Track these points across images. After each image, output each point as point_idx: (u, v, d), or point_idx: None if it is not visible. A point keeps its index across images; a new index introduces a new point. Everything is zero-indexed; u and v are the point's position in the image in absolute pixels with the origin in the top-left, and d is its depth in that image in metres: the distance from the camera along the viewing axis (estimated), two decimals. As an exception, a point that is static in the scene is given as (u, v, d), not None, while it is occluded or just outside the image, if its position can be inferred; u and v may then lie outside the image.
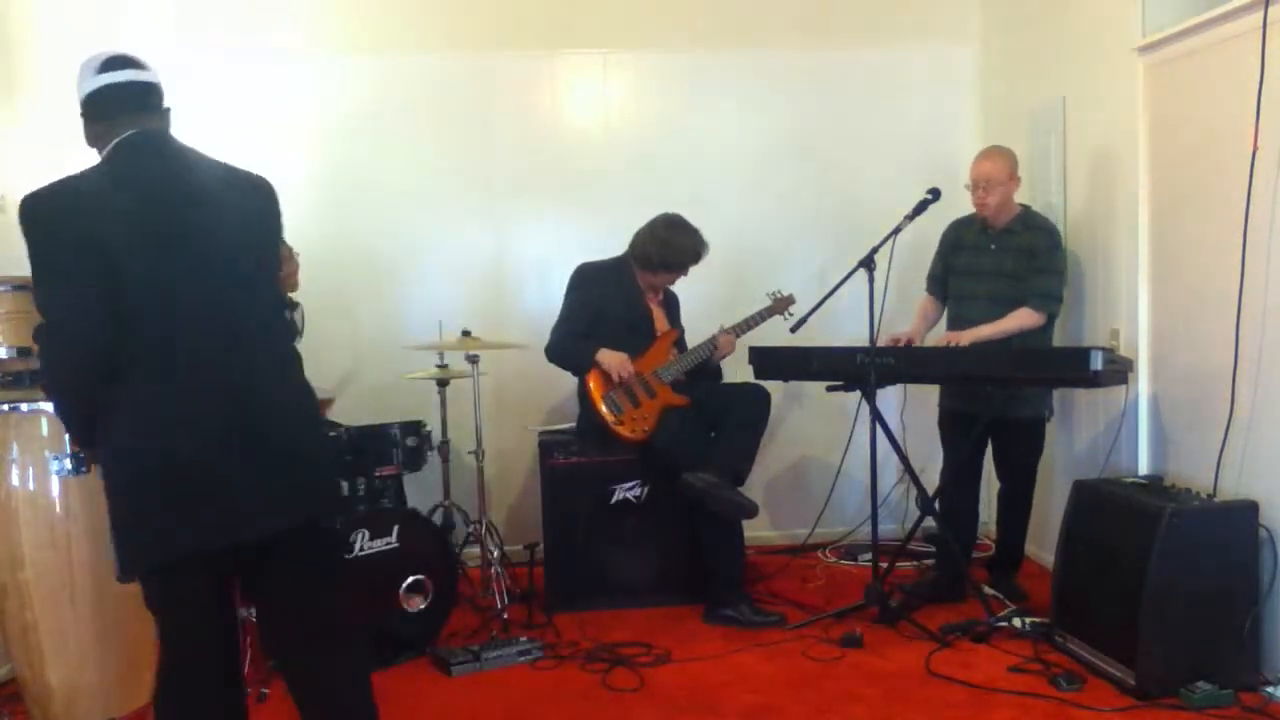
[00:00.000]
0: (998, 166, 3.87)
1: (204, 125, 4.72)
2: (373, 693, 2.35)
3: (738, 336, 4.24)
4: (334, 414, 4.27)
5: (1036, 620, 3.62)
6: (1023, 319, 3.85)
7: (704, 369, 4.22)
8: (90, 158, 2.33)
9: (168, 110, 2.34)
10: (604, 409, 4.03)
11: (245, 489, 2.10)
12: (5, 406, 2.67)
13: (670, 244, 4.11)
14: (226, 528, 2.08)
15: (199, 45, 4.70)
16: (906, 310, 4.42)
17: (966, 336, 3.84)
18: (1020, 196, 4.02)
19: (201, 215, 2.23)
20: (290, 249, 4.21)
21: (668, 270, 4.16)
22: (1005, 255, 3.92)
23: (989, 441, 4.10)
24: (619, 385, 4.06)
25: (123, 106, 2.24)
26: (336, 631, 2.31)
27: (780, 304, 4.31)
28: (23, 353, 2.78)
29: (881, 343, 3.91)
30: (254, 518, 2.10)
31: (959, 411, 4.08)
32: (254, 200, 2.45)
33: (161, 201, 2.18)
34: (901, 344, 4.02)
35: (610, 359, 4.03)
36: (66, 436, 2.64)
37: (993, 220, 3.96)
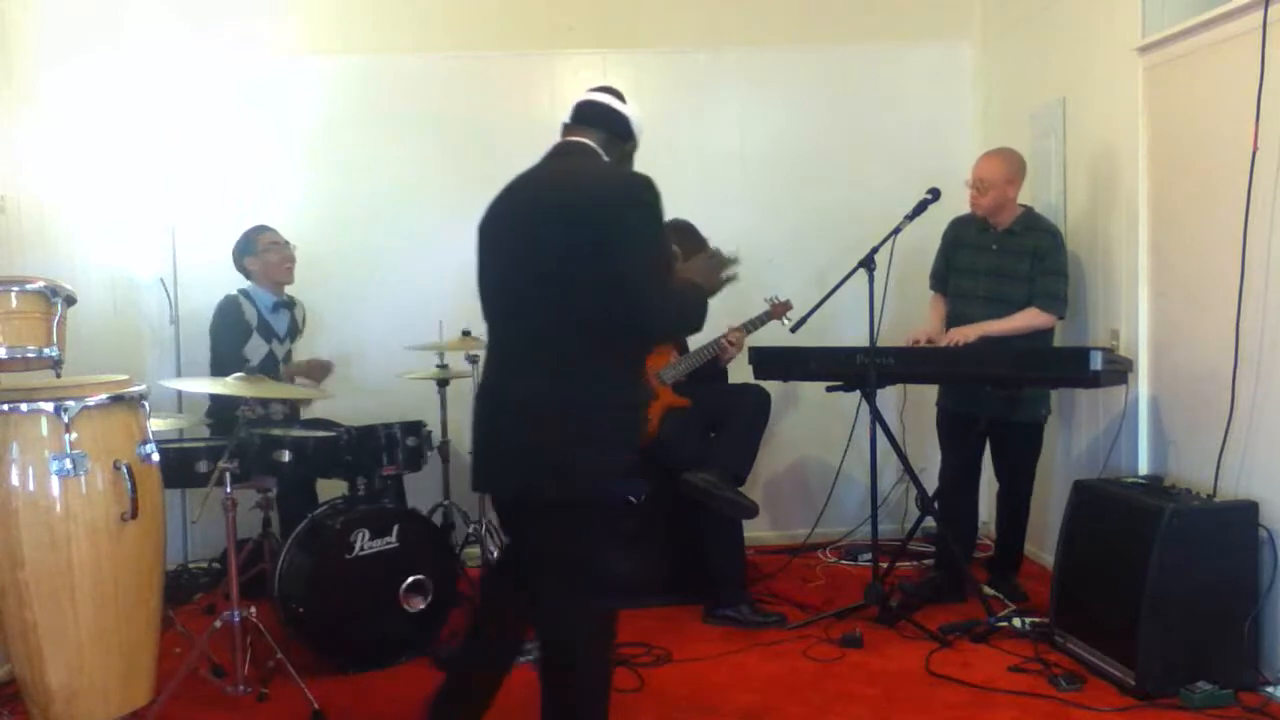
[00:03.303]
0: (994, 169, 3.87)
1: (204, 124, 4.76)
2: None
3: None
4: (334, 414, 4.28)
5: (1036, 620, 3.62)
6: (1030, 319, 3.85)
7: (710, 369, 4.22)
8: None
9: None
10: (604, 409, 4.02)
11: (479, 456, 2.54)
12: (5, 406, 2.67)
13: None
14: (474, 482, 2.59)
15: (199, 45, 4.71)
16: (907, 310, 4.42)
17: (973, 332, 3.83)
18: (1020, 196, 4.02)
19: None
20: (283, 240, 4.20)
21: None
22: (1006, 256, 3.92)
23: (988, 442, 4.10)
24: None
25: None
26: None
27: (778, 309, 4.30)
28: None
29: (903, 342, 3.91)
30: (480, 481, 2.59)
31: (958, 412, 4.08)
32: None
33: None
34: (923, 342, 4.01)
35: None
36: (67, 437, 2.64)
37: (993, 220, 3.96)
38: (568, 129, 2.59)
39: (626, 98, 2.60)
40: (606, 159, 2.52)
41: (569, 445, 2.37)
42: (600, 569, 2.41)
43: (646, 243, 2.34)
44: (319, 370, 4.45)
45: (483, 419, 2.52)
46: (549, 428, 2.38)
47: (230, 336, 4.14)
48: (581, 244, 2.33)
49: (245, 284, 4.28)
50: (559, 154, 2.57)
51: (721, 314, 4.37)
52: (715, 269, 2.62)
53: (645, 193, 2.37)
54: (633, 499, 2.47)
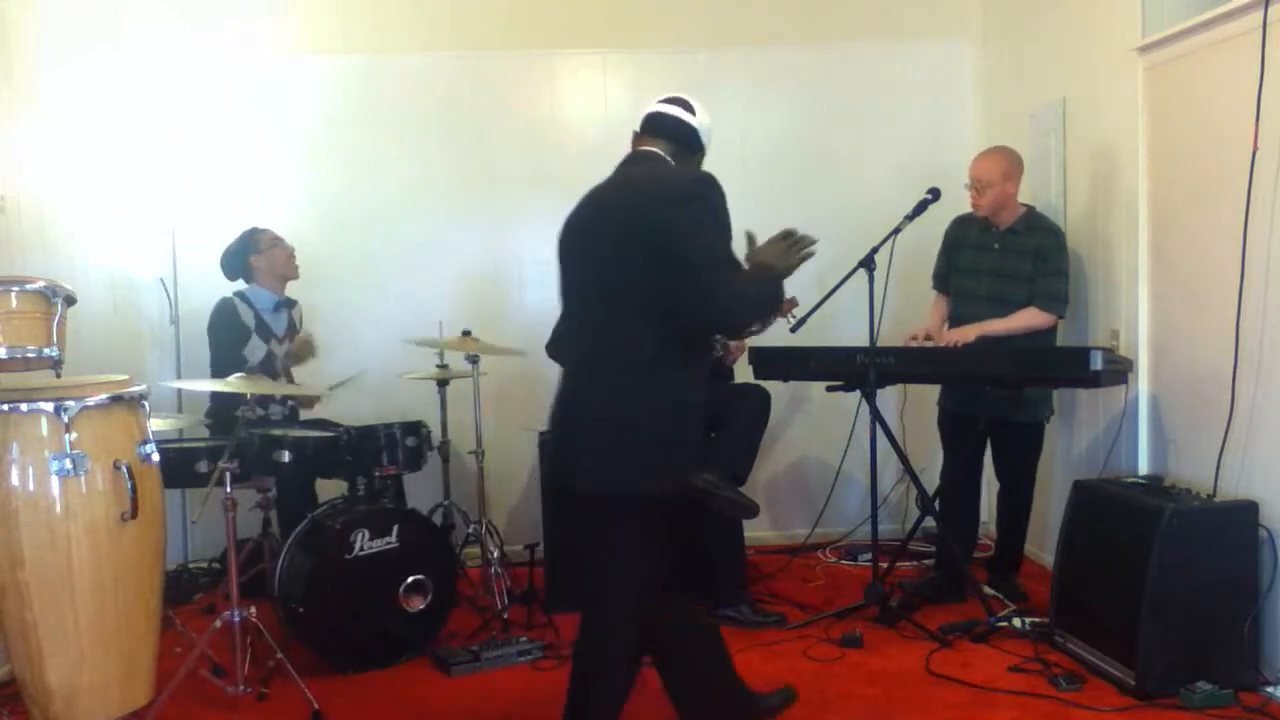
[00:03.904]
0: (990, 168, 3.87)
1: (204, 124, 4.76)
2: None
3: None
4: (334, 414, 4.28)
5: (1036, 620, 3.62)
6: (1030, 318, 3.85)
7: (712, 370, 4.21)
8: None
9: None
10: (604, 409, 4.02)
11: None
12: (5, 406, 2.67)
13: None
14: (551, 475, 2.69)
15: (199, 45, 4.71)
16: (906, 310, 4.42)
17: (972, 332, 3.83)
18: (1020, 196, 4.02)
19: None
20: (279, 238, 4.18)
21: None
22: (1008, 255, 3.92)
23: (989, 442, 4.10)
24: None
25: None
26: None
27: (784, 306, 4.30)
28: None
29: (902, 341, 3.91)
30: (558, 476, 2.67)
31: (959, 412, 4.08)
32: None
33: None
34: (921, 340, 4.01)
35: None
36: (67, 437, 2.64)
37: (995, 220, 3.96)
38: (638, 138, 2.65)
39: (697, 107, 2.64)
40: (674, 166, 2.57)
41: (634, 447, 2.44)
42: (650, 568, 2.52)
43: (706, 236, 2.38)
44: (304, 349, 4.42)
45: (559, 421, 2.61)
46: (618, 430, 2.45)
47: (228, 339, 4.13)
48: (645, 245, 2.39)
49: (242, 286, 4.26)
50: (628, 163, 2.63)
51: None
52: (788, 249, 2.58)
53: (701, 187, 2.43)
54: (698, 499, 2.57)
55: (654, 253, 2.37)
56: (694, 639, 2.70)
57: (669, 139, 2.60)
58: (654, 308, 2.39)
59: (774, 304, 2.56)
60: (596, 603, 2.61)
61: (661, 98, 2.68)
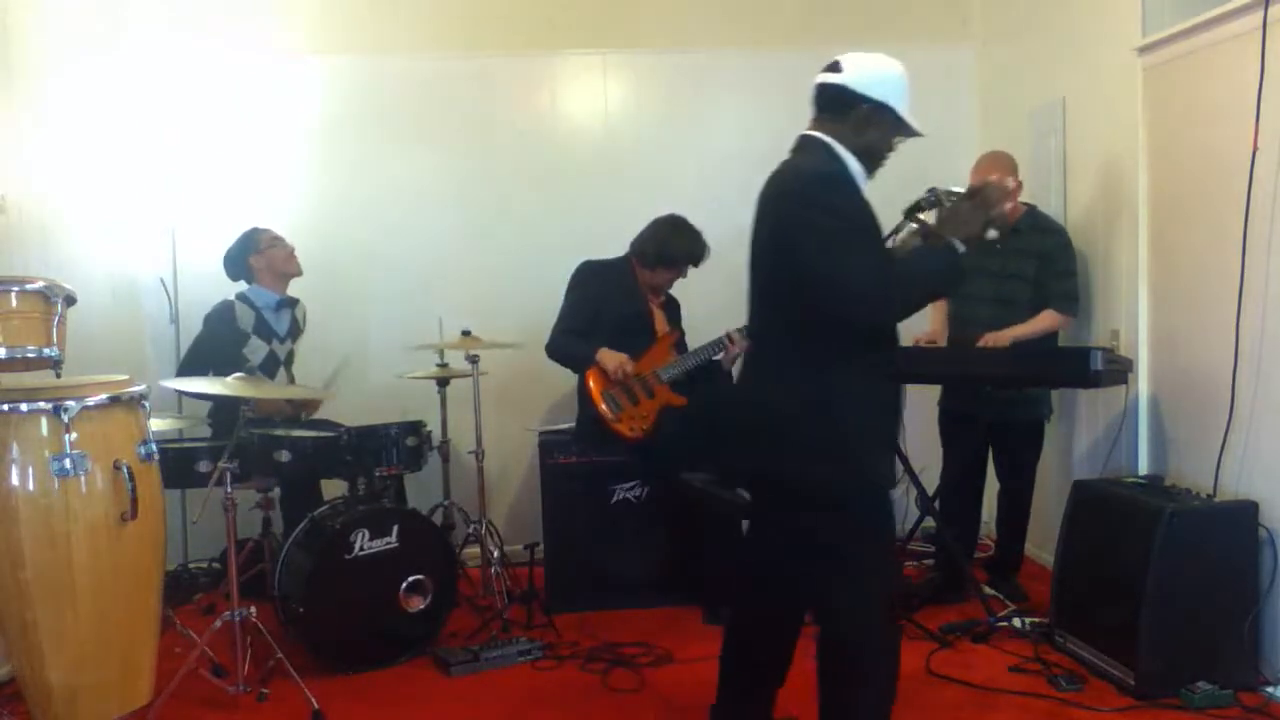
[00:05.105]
0: (999, 173, 3.84)
1: (204, 124, 4.76)
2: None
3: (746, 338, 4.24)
4: (334, 414, 4.28)
5: (1036, 620, 3.62)
6: (1049, 321, 3.87)
7: (709, 370, 4.22)
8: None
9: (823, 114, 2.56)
10: (603, 406, 4.03)
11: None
12: (5, 406, 2.67)
13: (668, 243, 4.14)
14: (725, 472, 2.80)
15: (200, 45, 4.70)
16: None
17: (1005, 336, 3.83)
18: (1021, 197, 4.01)
19: None
20: (279, 237, 4.17)
21: (664, 267, 4.17)
22: (1011, 256, 3.91)
23: (989, 442, 4.09)
24: (618, 384, 4.06)
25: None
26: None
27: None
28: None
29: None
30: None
31: (959, 412, 4.08)
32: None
33: None
34: (923, 344, 4.00)
35: (609, 359, 4.04)
36: (67, 437, 2.64)
37: (999, 221, 3.95)
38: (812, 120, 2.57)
39: (848, 60, 2.53)
40: (832, 143, 2.48)
41: (789, 445, 2.42)
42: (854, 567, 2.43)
43: (827, 236, 2.31)
44: (309, 409, 4.39)
45: (726, 415, 2.64)
46: (774, 425, 2.44)
47: (222, 341, 4.09)
48: (778, 244, 2.41)
49: (243, 287, 4.26)
50: (792, 150, 2.58)
51: (722, 314, 4.39)
52: (975, 208, 2.45)
53: (813, 186, 2.38)
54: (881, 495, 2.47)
55: (786, 253, 2.38)
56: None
57: (821, 111, 2.55)
58: (793, 304, 2.40)
59: (940, 286, 2.48)
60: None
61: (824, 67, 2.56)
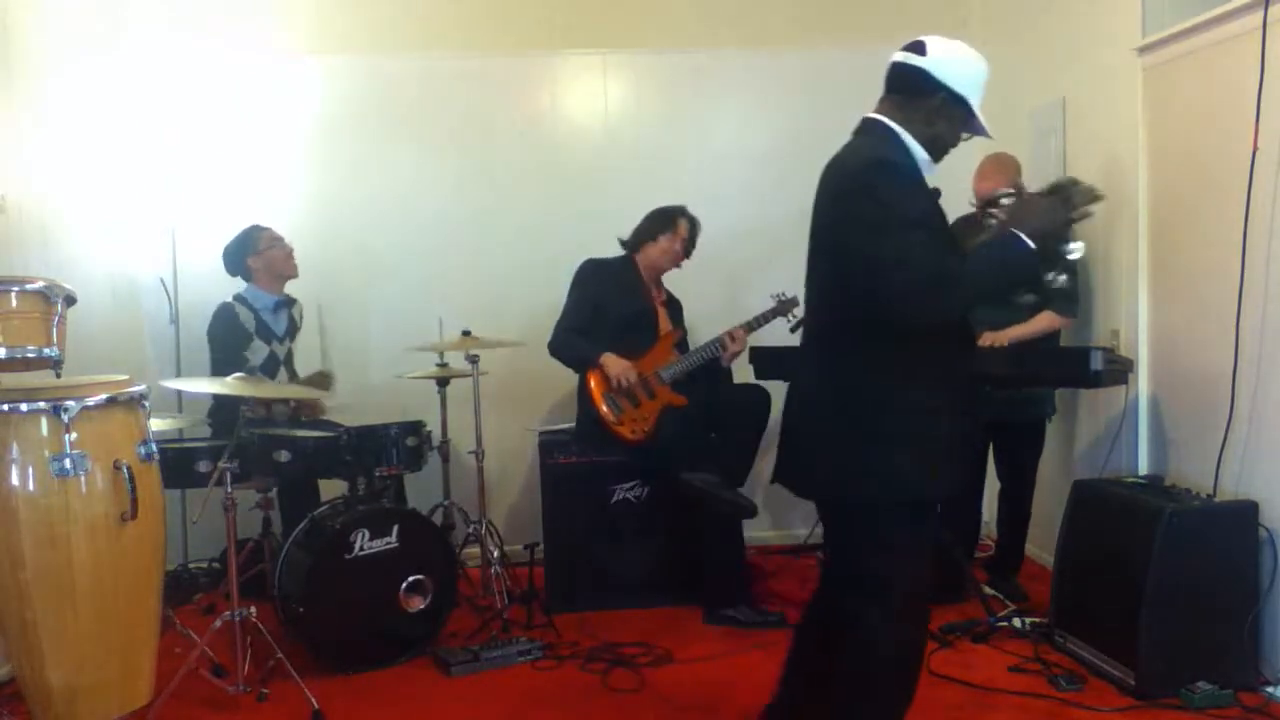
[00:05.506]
0: (999, 184, 3.83)
1: (204, 124, 4.76)
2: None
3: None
4: (334, 414, 4.28)
5: (1036, 620, 3.62)
6: (1048, 322, 3.86)
7: (710, 369, 4.21)
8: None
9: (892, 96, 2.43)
10: (604, 408, 4.03)
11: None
12: (5, 406, 2.67)
13: (659, 211, 4.21)
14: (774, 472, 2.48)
15: (200, 45, 4.71)
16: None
17: (1004, 337, 3.83)
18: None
19: None
20: (278, 237, 4.18)
21: (663, 232, 4.18)
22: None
23: (989, 443, 4.09)
24: (620, 386, 4.06)
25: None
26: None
27: (784, 306, 4.30)
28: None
29: None
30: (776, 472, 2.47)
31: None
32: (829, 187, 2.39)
33: None
34: None
35: (614, 365, 4.03)
36: (67, 437, 2.64)
37: (998, 221, 3.94)
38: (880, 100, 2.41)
39: (933, 43, 2.40)
40: (897, 129, 2.36)
41: (836, 444, 2.28)
42: (883, 572, 2.30)
43: (874, 227, 2.16)
44: (320, 381, 4.41)
45: (785, 410, 2.49)
46: (820, 424, 2.32)
47: (232, 342, 4.12)
48: (833, 236, 2.32)
49: (240, 288, 4.26)
50: (854, 133, 2.45)
51: (722, 314, 4.39)
52: (1056, 206, 2.28)
53: (864, 175, 2.24)
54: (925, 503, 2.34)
55: (840, 247, 2.27)
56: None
57: (894, 92, 2.40)
58: (846, 299, 2.27)
59: (996, 280, 2.28)
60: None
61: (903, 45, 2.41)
